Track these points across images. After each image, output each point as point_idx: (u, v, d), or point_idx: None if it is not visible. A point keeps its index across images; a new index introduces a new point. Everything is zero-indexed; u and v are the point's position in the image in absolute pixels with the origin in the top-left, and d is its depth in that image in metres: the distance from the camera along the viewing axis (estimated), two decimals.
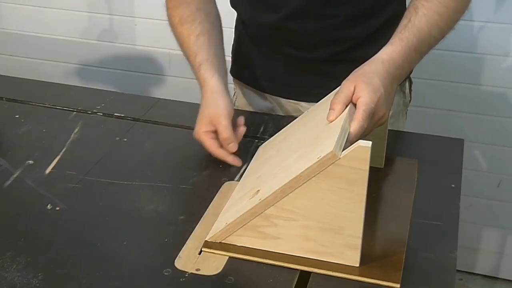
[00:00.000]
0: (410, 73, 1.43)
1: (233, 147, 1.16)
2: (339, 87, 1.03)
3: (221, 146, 1.17)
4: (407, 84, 1.43)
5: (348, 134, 0.94)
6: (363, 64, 1.07)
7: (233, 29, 1.44)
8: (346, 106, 1.00)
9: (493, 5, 1.92)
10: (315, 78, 1.33)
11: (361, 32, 1.28)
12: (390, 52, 1.08)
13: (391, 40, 1.10)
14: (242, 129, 1.20)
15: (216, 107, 1.17)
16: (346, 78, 1.04)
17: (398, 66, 1.08)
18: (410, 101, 1.46)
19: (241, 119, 1.21)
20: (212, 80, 1.20)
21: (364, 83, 1.01)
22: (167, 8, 1.32)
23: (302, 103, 1.37)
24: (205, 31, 1.26)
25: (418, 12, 1.12)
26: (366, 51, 1.13)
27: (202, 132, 1.17)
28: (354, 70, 1.06)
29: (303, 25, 1.26)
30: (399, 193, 1.10)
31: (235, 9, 1.38)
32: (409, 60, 1.10)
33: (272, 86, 1.39)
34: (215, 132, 1.17)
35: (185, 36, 1.27)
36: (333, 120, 0.98)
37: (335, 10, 1.25)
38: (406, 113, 1.46)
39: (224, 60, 1.28)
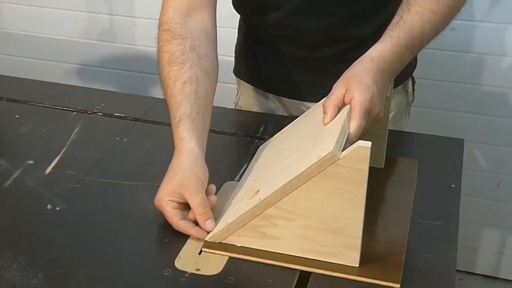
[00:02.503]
0: (413, 71, 1.42)
1: (211, 224, 0.98)
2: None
3: (184, 218, 0.99)
4: (410, 83, 1.42)
5: (348, 135, 0.94)
6: (352, 64, 1.07)
7: (236, 29, 1.44)
8: (338, 108, 1.00)
9: (493, 5, 1.91)
10: (318, 78, 1.32)
11: (362, 32, 1.27)
12: (379, 50, 1.08)
13: (381, 38, 1.10)
14: (213, 199, 1.01)
15: (191, 176, 1.01)
16: (337, 80, 1.04)
17: (388, 62, 1.07)
18: (413, 100, 1.46)
19: (212, 188, 1.04)
20: (190, 143, 1.05)
21: (355, 83, 1.01)
22: (158, 41, 1.15)
23: (305, 103, 1.36)
24: (193, 79, 1.10)
25: (411, 9, 1.11)
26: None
27: (165, 200, 0.99)
28: (345, 71, 1.06)
29: (305, 23, 1.26)
30: (399, 193, 1.10)
31: (237, 10, 1.38)
32: (400, 57, 1.09)
33: (275, 85, 1.39)
34: (180, 203, 1.00)
35: (171, 80, 1.11)
36: (328, 124, 0.98)
37: (336, 9, 1.25)
38: (409, 113, 1.46)
39: (209, 115, 1.12)
